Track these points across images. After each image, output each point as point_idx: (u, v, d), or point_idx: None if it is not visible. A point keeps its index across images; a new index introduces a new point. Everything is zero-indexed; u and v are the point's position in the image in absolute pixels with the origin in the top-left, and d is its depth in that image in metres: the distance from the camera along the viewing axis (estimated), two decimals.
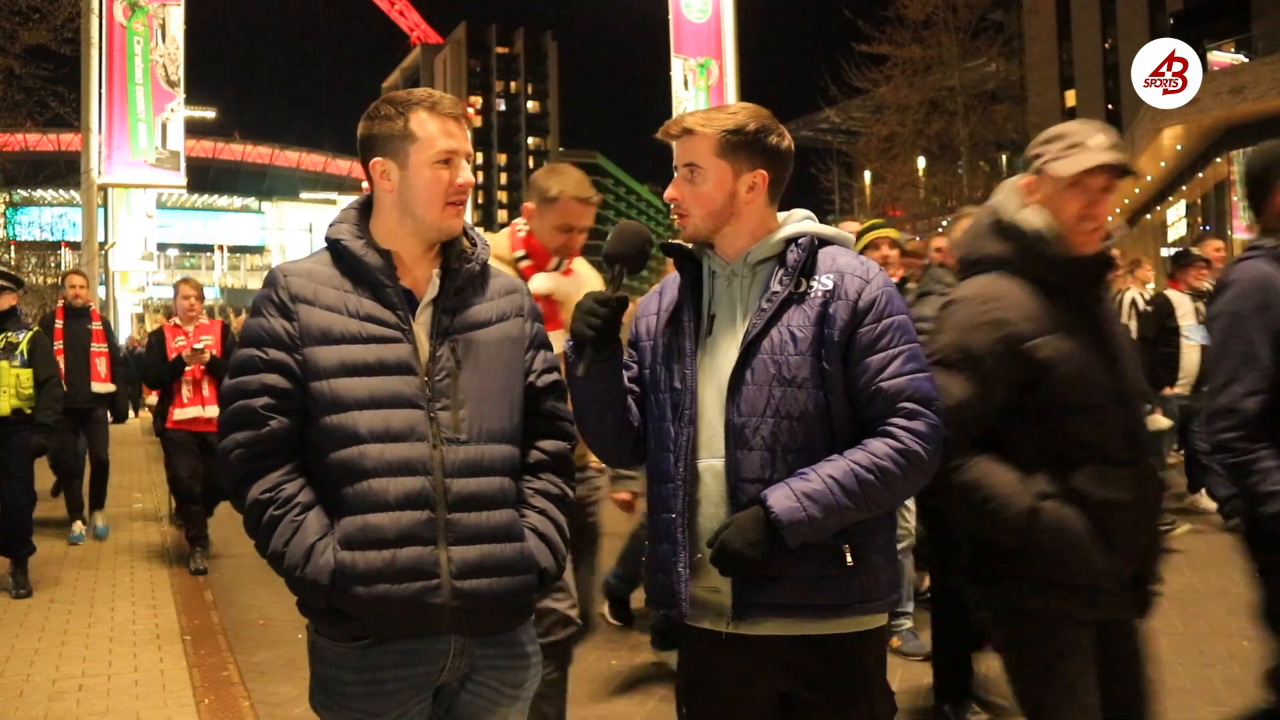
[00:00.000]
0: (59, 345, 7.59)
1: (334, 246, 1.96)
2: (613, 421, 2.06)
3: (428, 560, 1.85)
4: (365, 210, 2.02)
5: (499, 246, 3.12)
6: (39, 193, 45.91)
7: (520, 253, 3.16)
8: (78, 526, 7.81)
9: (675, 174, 2.07)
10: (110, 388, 8.00)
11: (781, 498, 1.86)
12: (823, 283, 1.97)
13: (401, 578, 1.83)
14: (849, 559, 1.91)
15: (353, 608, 1.84)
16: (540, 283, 3.10)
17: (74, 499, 8.01)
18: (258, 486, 1.87)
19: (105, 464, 8.18)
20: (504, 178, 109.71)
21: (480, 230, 2.11)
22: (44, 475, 8.00)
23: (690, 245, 2.09)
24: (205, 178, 75.33)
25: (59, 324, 7.82)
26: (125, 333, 24.94)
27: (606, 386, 2.02)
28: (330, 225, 2.01)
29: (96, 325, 8.02)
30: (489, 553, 1.89)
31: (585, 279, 3.29)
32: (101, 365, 7.92)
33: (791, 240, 2.02)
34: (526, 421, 2.02)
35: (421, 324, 1.93)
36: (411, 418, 1.87)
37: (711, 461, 1.96)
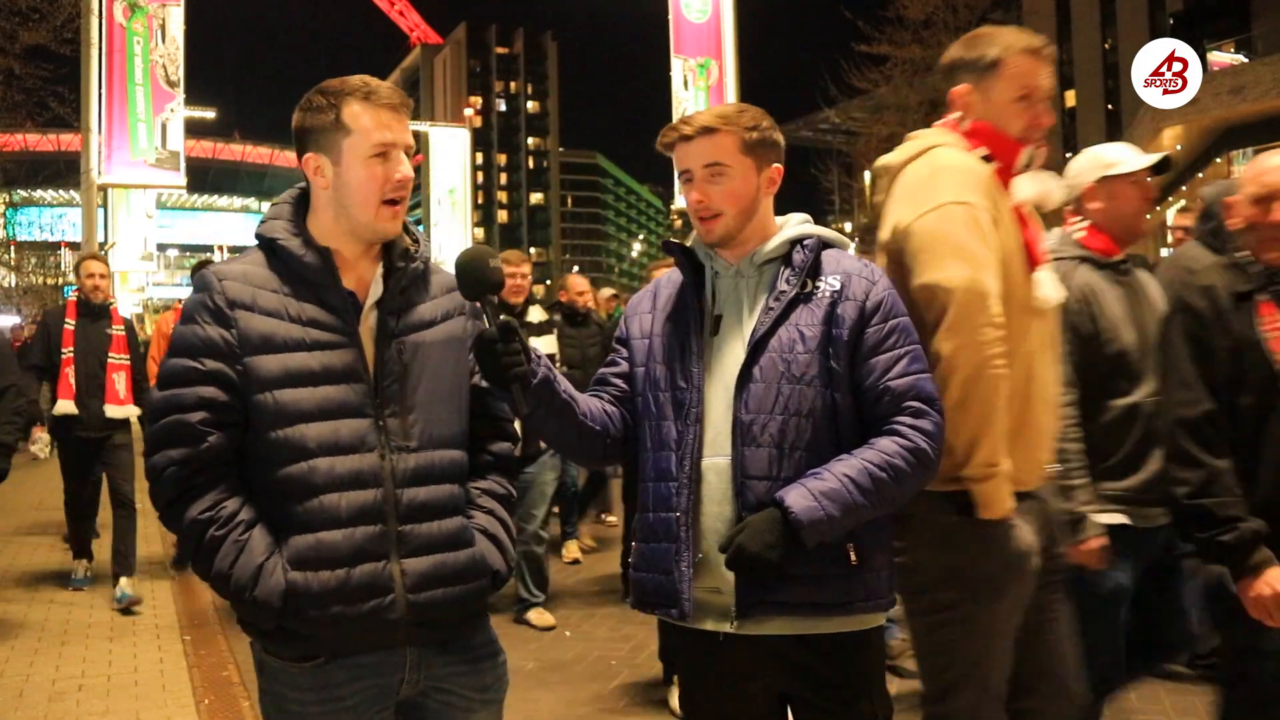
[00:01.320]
0: (68, 353, 5.97)
1: (269, 246, 1.85)
2: (571, 430, 2.01)
3: (381, 576, 1.78)
4: (300, 204, 1.90)
5: (950, 157, 2.26)
6: (39, 193, 45.92)
7: (981, 151, 2.29)
8: (80, 567, 6.32)
9: (688, 177, 2.03)
10: (129, 411, 6.10)
11: (799, 498, 1.85)
12: (830, 283, 1.98)
13: (355, 597, 1.76)
14: (853, 558, 1.92)
15: (306, 628, 1.77)
16: (1026, 188, 2.36)
17: (80, 539, 6.44)
18: (196, 506, 1.76)
19: (129, 503, 6.07)
20: (504, 178, 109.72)
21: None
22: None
23: (692, 245, 2.10)
24: (205, 178, 75.33)
25: (69, 324, 6.03)
26: None
27: (550, 403, 1.94)
28: (262, 222, 1.88)
29: (118, 330, 6.12)
30: (441, 562, 1.83)
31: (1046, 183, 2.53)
32: (120, 382, 6.04)
33: (796, 241, 2.03)
34: (471, 423, 1.96)
35: (367, 327, 1.84)
36: (360, 427, 1.79)
37: (715, 460, 1.96)
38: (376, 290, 1.86)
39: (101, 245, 24.43)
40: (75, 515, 6.43)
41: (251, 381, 1.77)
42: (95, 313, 6.13)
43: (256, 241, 1.87)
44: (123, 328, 6.18)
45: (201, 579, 1.81)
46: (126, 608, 5.76)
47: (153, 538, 7.72)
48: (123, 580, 5.89)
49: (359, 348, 1.82)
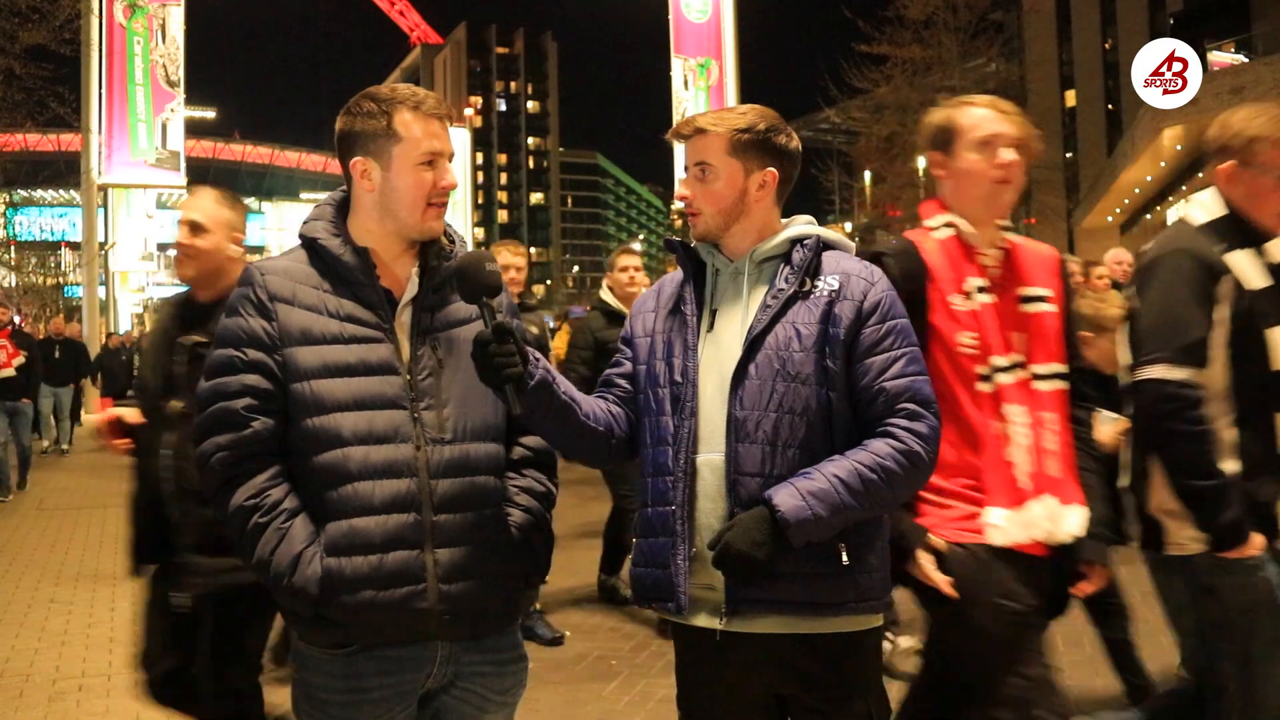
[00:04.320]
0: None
1: (310, 245, 1.92)
2: (572, 432, 2.01)
3: (414, 564, 1.82)
4: (341, 207, 1.98)
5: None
6: (39, 193, 45.85)
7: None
8: None
9: (686, 173, 2.09)
10: None
11: (787, 496, 1.85)
12: (828, 283, 1.99)
13: (388, 583, 1.80)
14: (845, 558, 1.92)
15: (340, 615, 1.80)
16: None
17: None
18: (241, 492, 1.82)
19: None
20: (504, 178, 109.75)
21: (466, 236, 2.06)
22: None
23: (694, 243, 2.12)
24: (205, 178, 74.78)
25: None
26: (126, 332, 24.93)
27: (548, 405, 1.93)
28: (304, 222, 1.97)
29: None
30: (475, 554, 1.87)
31: None
32: None
33: (797, 241, 2.04)
34: (508, 418, 1.99)
35: (402, 324, 1.91)
36: (395, 419, 1.84)
37: (710, 456, 1.96)
38: (412, 288, 1.92)
39: (102, 245, 24.47)
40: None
41: (290, 372, 1.84)
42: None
43: (299, 240, 1.95)
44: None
45: (244, 564, 1.86)
46: None
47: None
48: None
49: (394, 343, 1.88)
